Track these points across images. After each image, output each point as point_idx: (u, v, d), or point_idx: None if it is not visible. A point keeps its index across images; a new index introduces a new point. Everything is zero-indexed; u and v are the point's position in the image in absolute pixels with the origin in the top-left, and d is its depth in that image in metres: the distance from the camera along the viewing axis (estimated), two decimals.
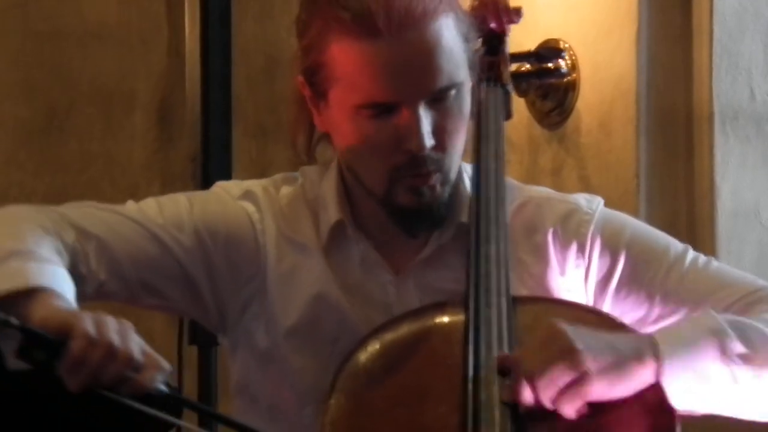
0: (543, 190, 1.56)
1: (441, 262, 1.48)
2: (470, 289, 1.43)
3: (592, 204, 1.53)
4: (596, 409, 1.34)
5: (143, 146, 3.47)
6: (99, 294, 1.45)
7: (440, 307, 1.44)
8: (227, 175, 2.85)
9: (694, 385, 1.38)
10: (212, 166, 2.90)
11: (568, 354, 1.33)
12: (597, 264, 1.49)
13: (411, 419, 1.36)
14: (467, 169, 1.52)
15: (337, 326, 1.45)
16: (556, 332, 1.35)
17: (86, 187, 3.57)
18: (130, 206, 1.49)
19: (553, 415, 1.33)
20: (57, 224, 1.42)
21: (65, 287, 1.35)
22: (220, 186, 1.53)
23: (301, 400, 1.44)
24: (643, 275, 1.48)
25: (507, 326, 1.40)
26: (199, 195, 1.52)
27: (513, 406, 1.33)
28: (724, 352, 1.39)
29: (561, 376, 1.32)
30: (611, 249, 1.49)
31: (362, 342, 1.42)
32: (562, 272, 1.49)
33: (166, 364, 1.29)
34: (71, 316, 1.29)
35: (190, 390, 2.62)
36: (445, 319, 1.43)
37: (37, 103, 3.49)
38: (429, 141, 1.42)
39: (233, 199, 1.50)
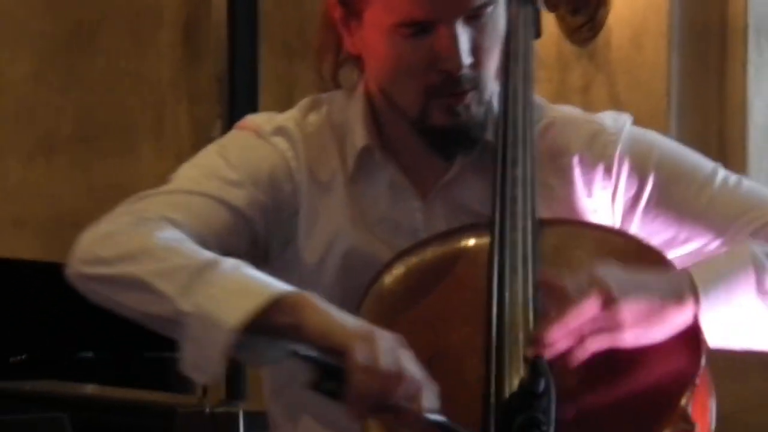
0: (568, 110, 1.53)
1: (467, 182, 1.47)
2: (496, 212, 1.41)
3: (619, 123, 1.50)
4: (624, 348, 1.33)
5: (170, 64, 3.45)
6: None
7: (466, 230, 1.43)
8: (254, 94, 2.83)
9: (729, 319, 1.37)
10: (239, 84, 2.88)
11: (603, 303, 1.32)
12: (624, 185, 1.47)
13: (435, 340, 1.36)
14: (495, 89, 1.50)
15: (365, 256, 1.44)
16: (595, 279, 1.34)
17: (114, 106, 3.57)
18: (181, 182, 1.45)
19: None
20: (167, 226, 1.38)
21: (280, 284, 1.32)
22: (251, 125, 1.50)
23: None
24: (672, 196, 1.46)
25: (532, 249, 1.39)
26: (230, 144, 1.48)
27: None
28: (761, 285, 1.38)
29: (594, 323, 1.32)
30: (639, 169, 1.47)
31: (387, 265, 1.41)
32: (589, 194, 1.48)
33: (436, 386, 1.27)
34: (345, 336, 1.28)
35: None
36: (471, 242, 1.42)
37: (64, 18, 3.47)
38: (467, 59, 1.41)
39: (265, 137, 1.47)
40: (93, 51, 3.49)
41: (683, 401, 1.30)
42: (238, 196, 1.44)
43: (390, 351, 1.28)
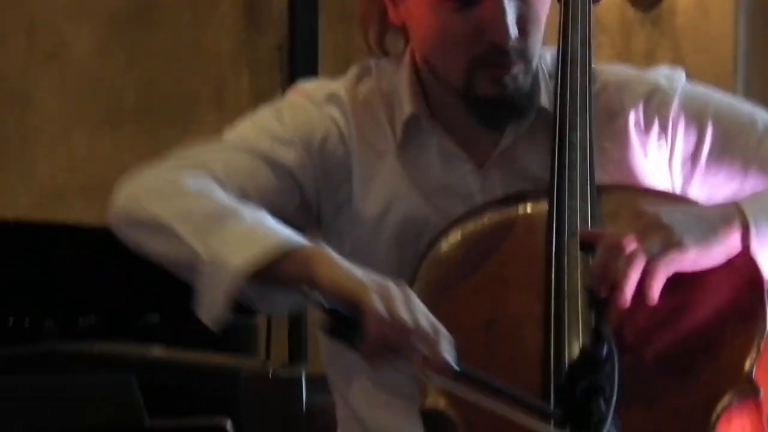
0: (621, 71, 1.52)
1: (523, 149, 1.46)
2: (554, 178, 1.40)
3: (673, 81, 1.48)
4: (684, 281, 1.33)
5: (231, 36, 3.47)
6: None
7: (523, 197, 1.43)
8: (313, 64, 2.84)
9: None
10: (298, 54, 2.89)
11: (656, 227, 1.32)
12: (682, 142, 1.46)
13: (493, 307, 1.36)
14: (546, 54, 1.48)
15: (419, 223, 1.44)
16: (641, 212, 1.34)
17: (176, 78, 3.61)
18: (232, 136, 1.48)
19: (638, 296, 1.32)
20: (206, 175, 1.41)
21: (300, 238, 1.34)
22: (304, 91, 1.51)
23: None
24: (734, 146, 1.45)
25: (591, 215, 1.38)
26: (285, 106, 1.50)
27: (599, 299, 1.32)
28: None
29: (651, 246, 1.31)
30: (697, 124, 1.46)
31: (444, 231, 1.41)
32: (645, 154, 1.46)
33: (449, 335, 1.29)
34: (359, 288, 1.30)
35: None
36: (528, 209, 1.41)
37: None
38: (513, 31, 1.40)
39: (318, 105, 1.49)
40: (155, 24, 3.53)
41: (748, 365, 1.29)
42: (287, 156, 1.45)
43: (404, 302, 1.29)
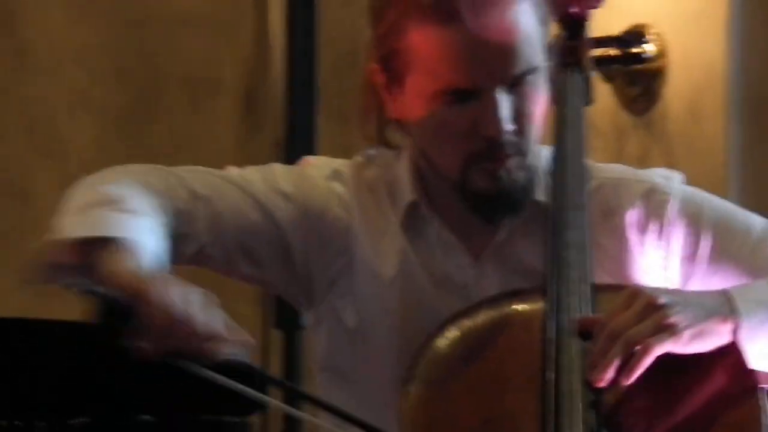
0: (617, 169, 1.54)
1: (518, 243, 1.48)
2: (550, 276, 1.41)
3: (671, 182, 1.51)
4: (675, 377, 1.34)
5: (230, 133, 3.51)
6: (198, 256, 1.46)
7: (519, 294, 1.44)
8: None
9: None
10: (297, 151, 2.91)
11: (653, 308, 1.33)
12: (678, 245, 1.48)
13: (490, 405, 1.36)
14: (542, 152, 1.50)
15: (420, 307, 1.45)
16: (638, 291, 1.35)
17: None
18: (234, 172, 1.51)
19: (633, 397, 1.32)
20: (167, 183, 1.45)
21: (144, 239, 1.38)
22: (311, 163, 1.54)
23: (385, 377, 1.45)
24: (728, 254, 1.47)
25: (588, 313, 1.39)
26: (293, 169, 1.53)
27: (595, 390, 1.32)
28: None
29: (647, 329, 1.32)
30: (693, 228, 1.48)
31: (441, 328, 1.42)
32: (641, 253, 1.48)
33: (249, 338, 1.31)
34: (141, 279, 1.32)
35: (276, 374, 2.65)
36: (525, 306, 1.42)
37: (127, 89, 3.55)
38: (509, 126, 1.42)
39: (324, 178, 1.51)
40: (154, 119, 3.56)
41: None
42: (281, 208, 1.47)
43: (185, 296, 1.30)
